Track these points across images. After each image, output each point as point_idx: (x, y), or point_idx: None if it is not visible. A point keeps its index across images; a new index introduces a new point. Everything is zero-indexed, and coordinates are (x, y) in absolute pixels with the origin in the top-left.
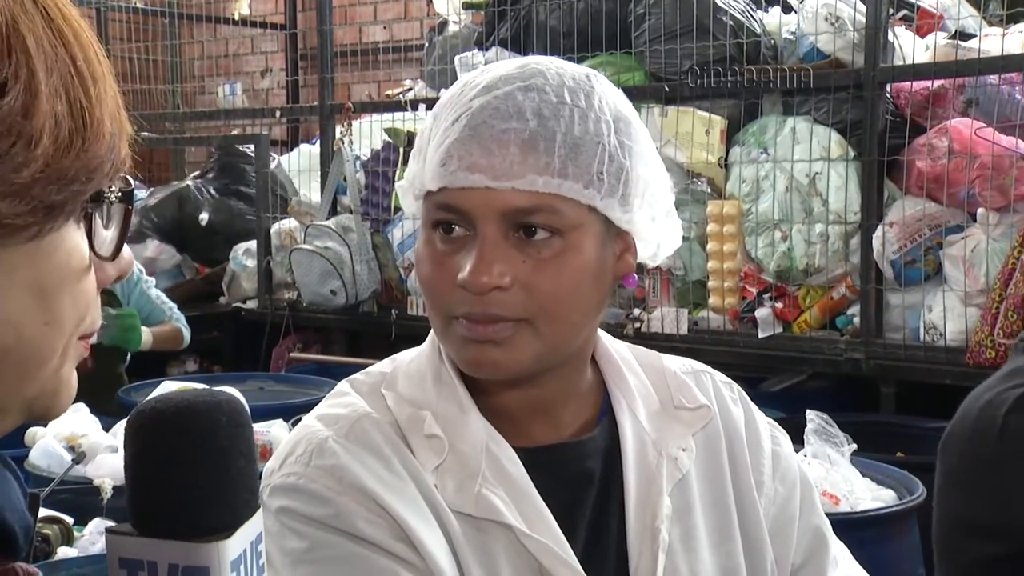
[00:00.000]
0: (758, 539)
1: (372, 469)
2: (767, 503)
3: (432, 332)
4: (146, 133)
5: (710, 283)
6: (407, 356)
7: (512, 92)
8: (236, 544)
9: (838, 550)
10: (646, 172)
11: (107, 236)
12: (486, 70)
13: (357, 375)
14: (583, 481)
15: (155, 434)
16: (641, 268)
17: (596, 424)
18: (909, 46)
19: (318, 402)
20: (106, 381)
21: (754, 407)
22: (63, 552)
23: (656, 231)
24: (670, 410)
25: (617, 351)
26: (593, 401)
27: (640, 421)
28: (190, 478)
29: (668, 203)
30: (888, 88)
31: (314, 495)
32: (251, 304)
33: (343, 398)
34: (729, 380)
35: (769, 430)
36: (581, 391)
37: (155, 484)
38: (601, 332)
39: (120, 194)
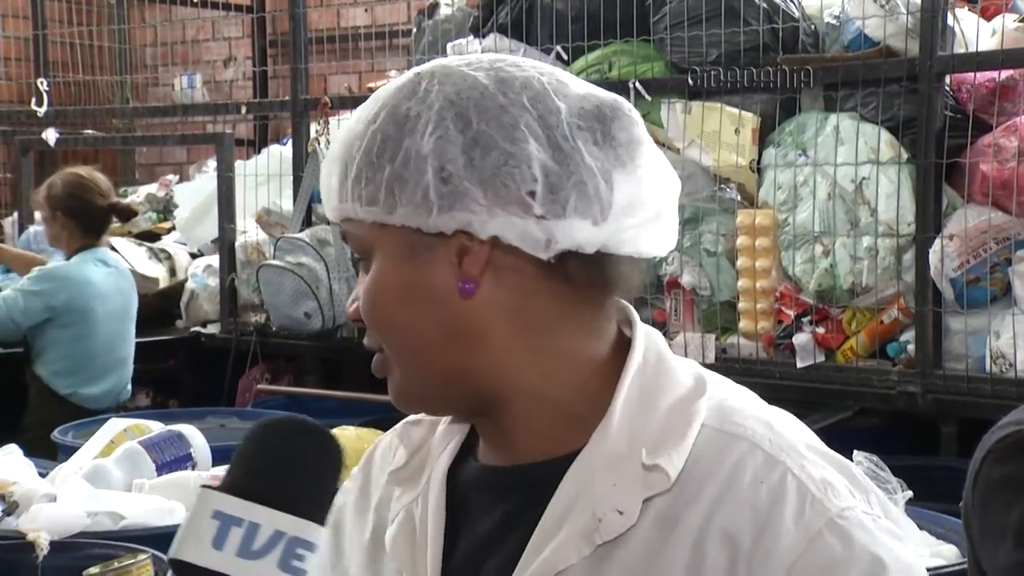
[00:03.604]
0: None
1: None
2: None
3: None
4: (90, 131)
5: (741, 304)
6: None
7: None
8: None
9: None
10: (499, 159)
11: None
12: None
13: None
14: (502, 512)
15: (300, 428)
16: (660, 286)
17: (566, 458)
18: (972, 31)
19: None
20: (40, 422)
21: (799, 498)
22: None
23: (513, 223)
24: (636, 459)
25: (655, 376)
26: (578, 433)
27: (592, 464)
28: (316, 471)
29: (595, 177)
30: (947, 80)
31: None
32: (212, 328)
33: None
34: (784, 458)
35: (813, 533)
36: (550, 420)
37: (285, 466)
38: (651, 349)
39: None
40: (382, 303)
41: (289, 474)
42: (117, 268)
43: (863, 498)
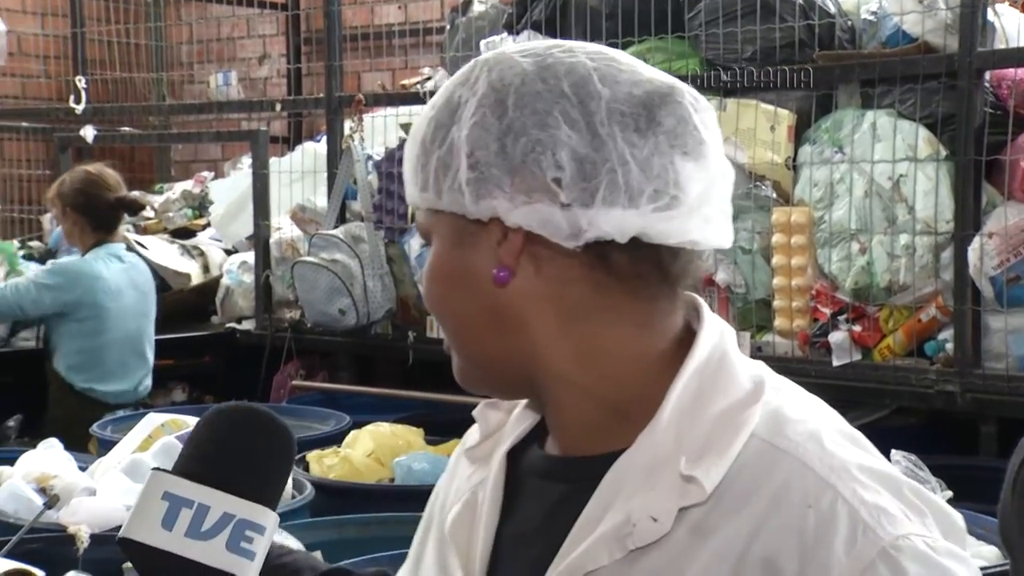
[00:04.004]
0: None
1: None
2: None
3: None
4: (126, 129)
5: (776, 302)
6: None
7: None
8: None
9: None
10: (537, 143)
11: None
12: None
13: None
14: (551, 503)
15: (251, 416)
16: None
17: (615, 455)
18: (1013, 27)
19: (323, 437)
20: (60, 417)
21: (851, 525)
22: None
23: (538, 211)
24: (676, 466)
25: (714, 374)
26: (630, 430)
27: (634, 466)
28: (267, 457)
29: (649, 165)
30: (987, 76)
31: None
32: (248, 325)
33: None
34: (836, 481)
35: (865, 563)
36: (597, 413)
37: (236, 451)
38: (718, 345)
39: None
40: (435, 287)
41: (240, 459)
42: (132, 264)
43: (920, 521)
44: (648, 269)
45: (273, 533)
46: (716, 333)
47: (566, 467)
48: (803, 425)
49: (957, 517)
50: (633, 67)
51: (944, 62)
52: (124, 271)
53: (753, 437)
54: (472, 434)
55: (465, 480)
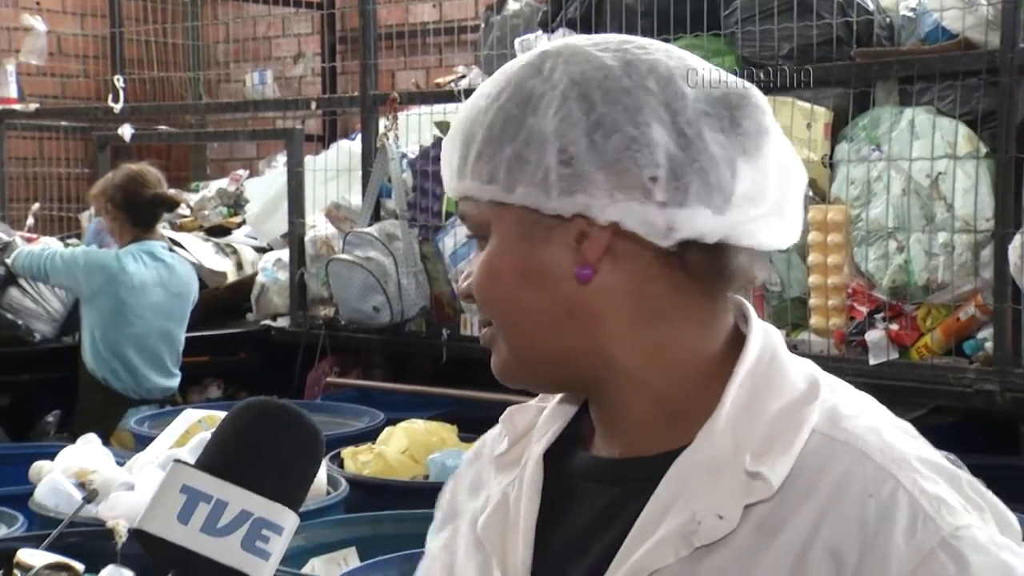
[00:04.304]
0: None
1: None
2: None
3: None
4: (163, 127)
5: (812, 301)
6: None
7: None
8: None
9: None
10: (623, 142)
11: None
12: None
13: None
14: (601, 506)
15: (278, 412)
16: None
17: (670, 455)
18: None
19: (358, 434)
20: (86, 409)
21: (911, 515)
22: None
23: (633, 210)
24: (739, 464)
25: (767, 374)
26: (683, 430)
27: (696, 464)
28: (291, 455)
29: (726, 171)
30: None
31: None
32: (282, 322)
33: None
34: (896, 471)
35: (926, 551)
36: (656, 412)
37: (259, 447)
38: (768, 345)
39: None
40: (496, 281)
41: (262, 456)
42: (169, 264)
43: (978, 515)
44: (717, 268)
45: (291, 534)
46: (765, 334)
47: (620, 469)
48: (861, 419)
49: (1012, 517)
50: (704, 66)
51: (985, 58)
52: (155, 269)
53: (814, 433)
54: (489, 441)
55: (494, 483)
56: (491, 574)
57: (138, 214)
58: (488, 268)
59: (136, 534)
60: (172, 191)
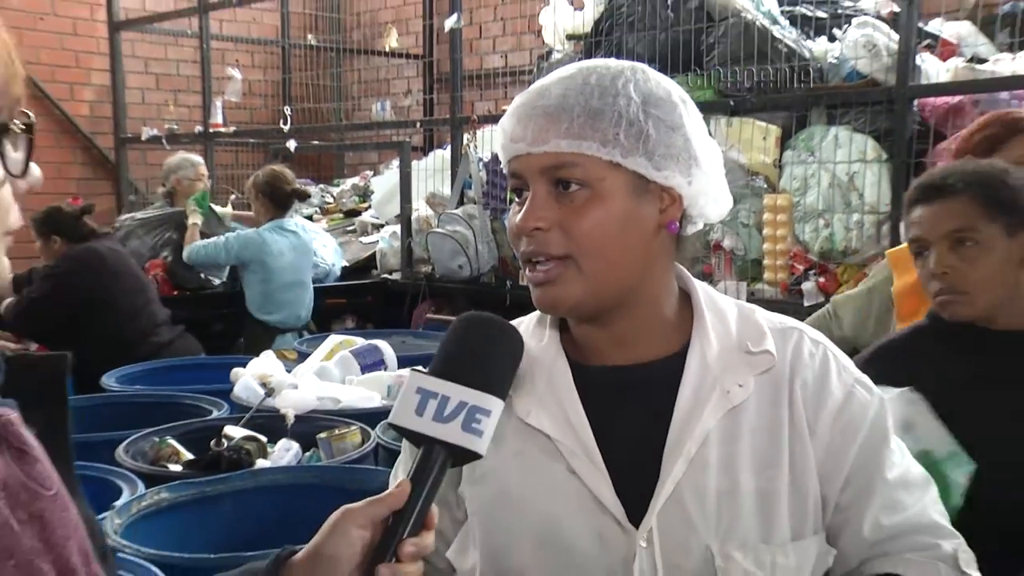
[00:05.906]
0: (803, 473)
1: None
2: (818, 447)
3: None
4: (316, 142)
5: (765, 261)
6: None
7: (549, 84)
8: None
9: (905, 499)
10: (681, 142)
11: (17, 158)
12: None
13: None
14: (638, 398)
15: (485, 322)
16: (708, 247)
17: (673, 357)
18: (933, 69)
19: None
20: (249, 336)
21: (837, 367)
22: (260, 463)
23: (696, 192)
24: (739, 351)
25: (712, 300)
26: (678, 338)
27: (707, 357)
28: (496, 354)
29: (711, 173)
30: (915, 103)
31: None
32: (396, 276)
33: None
34: (819, 340)
35: (849, 388)
36: (659, 327)
37: (471, 350)
38: (700, 284)
39: (23, 126)
40: (604, 225)
41: (475, 357)
42: (295, 233)
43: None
44: (686, 236)
45: (499, 415)
46: (696, 280)
47: (644, 370)
48: (782, 316)
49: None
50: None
51: (885, 92)
52: (286, 238)
53: (771, 329)
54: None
55: (515, 400)
56: (558, 459)
57: (279, 202)
58: (599, 213)
59: (391, 426)
60: (308, 186)
